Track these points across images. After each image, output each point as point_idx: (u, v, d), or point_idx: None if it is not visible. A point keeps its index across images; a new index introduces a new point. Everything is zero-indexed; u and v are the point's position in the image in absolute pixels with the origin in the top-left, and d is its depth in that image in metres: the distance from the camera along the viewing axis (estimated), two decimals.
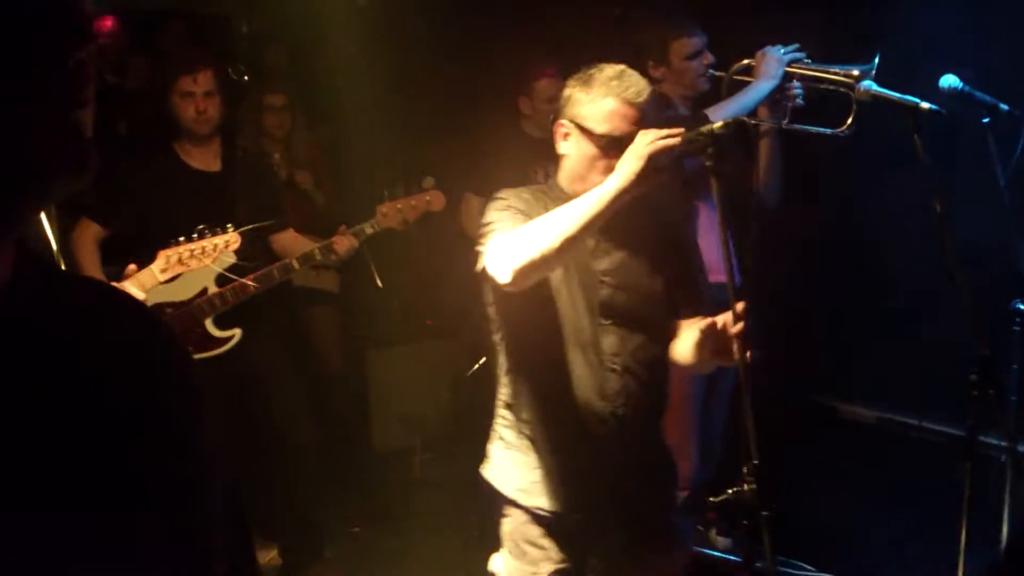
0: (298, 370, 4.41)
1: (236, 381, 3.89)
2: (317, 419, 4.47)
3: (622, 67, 2.55)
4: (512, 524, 2.68)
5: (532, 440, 2.64)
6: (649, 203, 2.53)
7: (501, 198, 2.60)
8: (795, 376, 4.67)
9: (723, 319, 2.35)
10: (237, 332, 3.85)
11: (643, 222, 2.61)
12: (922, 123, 3.11)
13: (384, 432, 5.71)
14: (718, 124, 2.33)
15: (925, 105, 3.14)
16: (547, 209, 2.50)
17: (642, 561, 2.70)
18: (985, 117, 3.35)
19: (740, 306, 2.31)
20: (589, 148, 2.53)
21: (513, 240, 2.41)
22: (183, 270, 3.48)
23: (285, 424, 4.18)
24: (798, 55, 3.83)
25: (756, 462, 2.25)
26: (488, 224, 2.55)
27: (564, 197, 2.53)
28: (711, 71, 4.02)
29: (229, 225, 3.50)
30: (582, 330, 2.57)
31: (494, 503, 2.71)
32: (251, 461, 4.10)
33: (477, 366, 4.82)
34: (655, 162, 2.33)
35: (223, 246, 3.49)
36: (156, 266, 3.43)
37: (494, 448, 2.73)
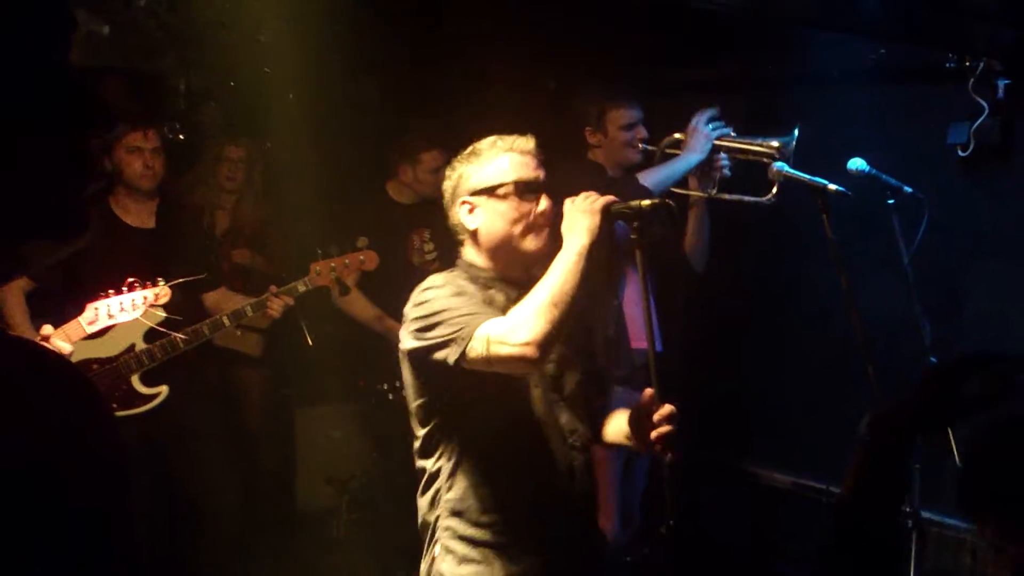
0: (223, 428, 4.38)
1: (160, 439, 3.86)
2: (241, 478, 4.44)
3: (494, 135, 2.60)
4: None
5: (496, 545, 2.46)
6: None
7: (435, 285, 2.50)
8: (716, 440, 4.81)
9: (646, 406, 2.38)
10: (164, 389, 3.83)
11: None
12: (830, 203, 3.29)
13: (309, 492, 5.66)
14: (646, 202, 2.45)
15: (832, 186, 3.31)
16: (484, 292, 2.51)
17: None
18: (890, 198, 3.54)
19: (667, 409, 2.35)
20: (503, 203, 2.52)
21: (523, 316, 2.32)
22: (111, 323, 3.48)
23: (209, 484, 4.15)
24: (724, 130, 3.99)
25: (672, 522, 2.34)
26: (439, 312, 2.41)
27: (489, 275, 2.55)
28: (644, 145, 4.12)
29: (159, 279, 3.51)
30: (543, 408, 2.51)
31: None
32: (173, 521, 4.05)
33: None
34: (604, 216, 2.42)
35: (152, 299, 3.50)
36: (84, 318, 3.42)
37: (445, 566, 2.49)
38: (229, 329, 4.01)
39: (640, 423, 2.42)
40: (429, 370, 2.45)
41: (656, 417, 2.36)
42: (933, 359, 3.59)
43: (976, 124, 4.07)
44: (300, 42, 4.66)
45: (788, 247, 4.68)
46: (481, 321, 2.34)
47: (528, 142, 2.58)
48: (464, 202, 2.57)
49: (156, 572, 3.92)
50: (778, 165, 3.53)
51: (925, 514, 3.60)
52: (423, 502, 2.57)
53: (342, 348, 5.24)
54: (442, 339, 2.37)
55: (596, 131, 4.12)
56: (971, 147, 4.09)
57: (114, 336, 3.72)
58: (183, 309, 3.81)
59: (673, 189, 3.99)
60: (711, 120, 4.00)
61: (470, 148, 2.61)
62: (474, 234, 2.58)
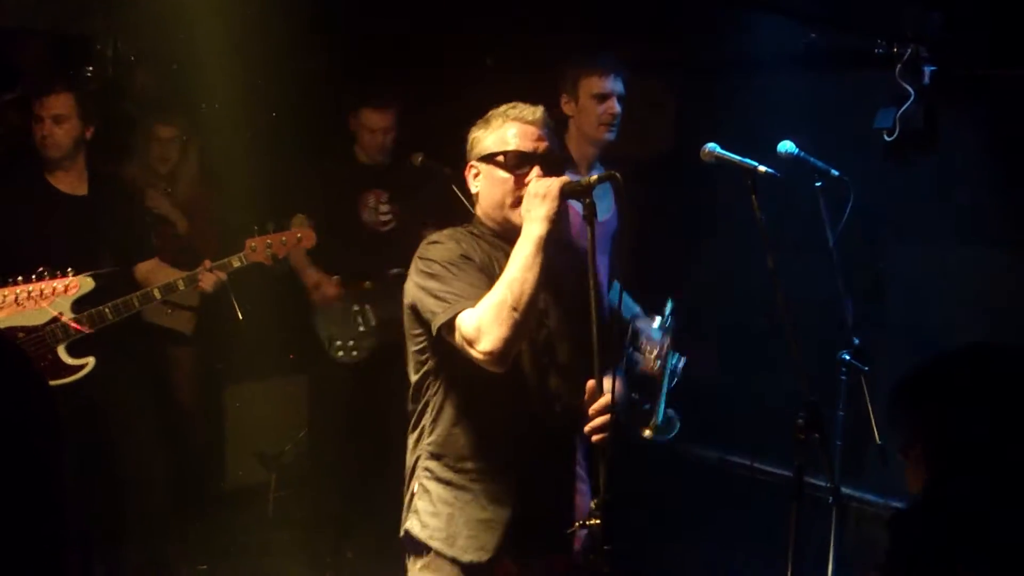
0: (153, 402, 4.33)
1: (86, 410, 3.80)
2: (170, 453, 4.39)
3: (511, 102, 2.68)
4: None
5: (470, 490, 2.58)
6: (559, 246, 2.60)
7: (440, 242, 2.60)
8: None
9: (590, 393, 2.47)
10: (90, 360, 3.78)
11: (559, 269, 2.60)
12: (759, 184, 3.34)
13: (239, 468, 5.62)
14: (594, 177, 2.50)
15: (762, 168, 3.35)
16: (485, 248, 2.60)
17: None
18: (818, 181, 3.60)
19: (603, 400, 2.44)
20: (499, 173, 2.60)
21: (487, 321, 2.37)
22: (17, 311, 3.43)
23: (135, 456, 4.10)
24: None
25: (606, 497, 2.37)
26: (436, 276, 2.50)
27: (487, 231, 2.65)
28: (614, 125, 3.80)
29: (70, 269, 3.46)
30: (532, 370, 2.59)
31: (421, 559, 2.63)
32: (97, 492, 4.00)
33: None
34: (561, 199, 2.47)
35: (62, 290, 3.45)
36: None
37: (420, 504, 2.63)
38: (159, 307, 3.95)
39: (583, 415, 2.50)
40: (423, 322, 2.55)
41: (592, 409, 2.46)
42: (856, 339, 3.68)
43: (902, 110, 4.16)
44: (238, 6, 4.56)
45: (718, 227, 4.75)
46: (462, 308, 2.42)
47: (535, 112, 2.65)
48: (471, 166, 2.68)
49: (84, 546, 3.87)
50: (710, 146, 3.56)
51: (845, 490, 3.70)
52: (410, 441, 2.70)
53: (273, 323, 5.20)
54: (431, 305, 2.49)
55: (570, 99, 3.85)
56: (896, 132, 4.19)
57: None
58: (114, 279, 3.75)
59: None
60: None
61: (488, 114, 2.69)
62: (476, 197, 2.69)
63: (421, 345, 2.62)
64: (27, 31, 5.63)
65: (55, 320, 3.68)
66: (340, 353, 4.75)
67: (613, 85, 3.81)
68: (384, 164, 4.76)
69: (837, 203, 3.63)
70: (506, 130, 2.62)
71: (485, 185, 2.65)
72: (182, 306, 4.94)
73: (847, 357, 3.70)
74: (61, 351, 3.72)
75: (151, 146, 5.05)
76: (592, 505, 2.39)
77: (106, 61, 5.93)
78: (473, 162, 2.67)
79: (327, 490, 4.98)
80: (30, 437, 1.03)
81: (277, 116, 5.33)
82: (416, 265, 2.58)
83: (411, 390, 2.69)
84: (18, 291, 3.40)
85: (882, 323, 4.39)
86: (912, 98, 4.13)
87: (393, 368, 3.02)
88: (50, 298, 3.45)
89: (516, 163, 2.59)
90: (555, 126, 2.74)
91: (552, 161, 2.63)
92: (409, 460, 2.69)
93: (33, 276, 3.42)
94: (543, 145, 2.62)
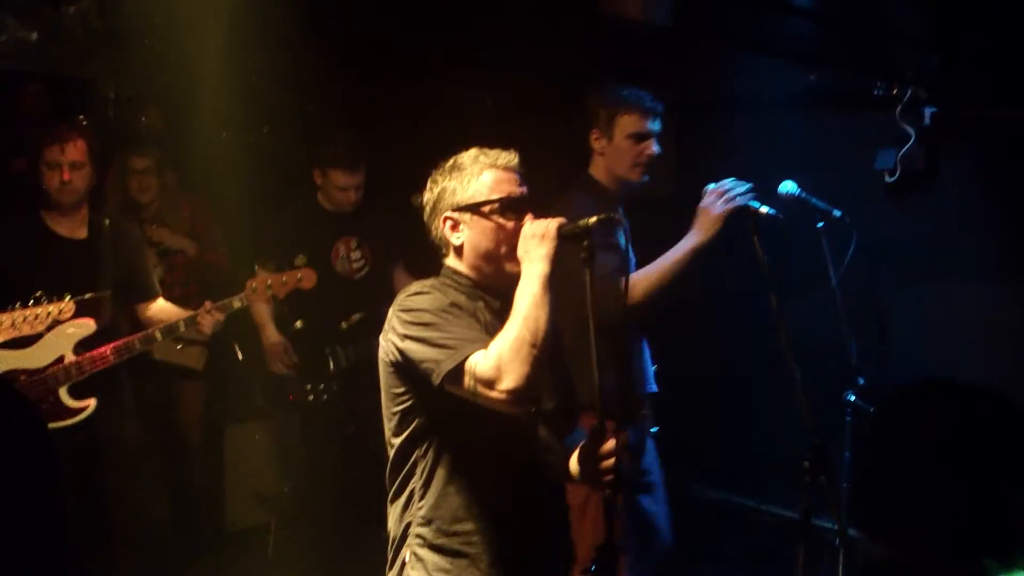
0: (155, 443, 4.31)
1: (87, 453, 3.78)
2: (171, 495, 4.36)
3: (475, 148, 2.58)
4: None
5: (468, 556, 2.45)
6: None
7: (424, 292, 2.48)
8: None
9: (595, 436, 2.41)
10: (91, 402, 3.76)
11: None
12: (761, 225, 3.35)
13: (239, 509, 5.59)
14: (593, 219, 2.42)
15: (764, 209, 3.37)
16: (465, 300, 2.50)
17: None
18: (820, 222, 3.61)
19: (610, 443, 2.38)
20: (487, 223, 2.51)
21: (506, 358, 2.28)
22: (14, 334, 3.43)
23: (135, 497, 4.08)
24: (745, 199, 3.40)
25: (612, 543, 2.36)
26: (430, 325, 2.39)
27: (464, 281, 2.54)
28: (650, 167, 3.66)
29: (67, 295, 3.47)
30: (521, 420, 2.48)
31: None
32: (97, 534, 3.97)
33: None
34: (559, 240, 2.40)
35: (56, 313, 3.45)
36: None
37: (414, 574, 2.48)
38: (169, 344, 3.93)
39: (587, 458, 2.44)
40: (412, 378, 2.43)
41: (602, 451, 2.39)
42: (860, 379, 3.67)
43: (903, 151, 4.18)
44: (229, 48, 4.60)
45: (719, 267, 4.74)
46: (470, 352, 2.32)
47: (511, 158, 2.55)
48: (447, 218, 2.54)
49: None
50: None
51: (852, 532, 3.66)
52: (393, 510, 2.55)
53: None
54: (431, 354, 2.35)
55: (602, 135, 3.67)
56: (898, 173, 4.20)
57: (43, 347, 3.67)
58: (117, 321, 3.75)
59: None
60: (728, 194, 3.41)
61: (451, 161, 2.58)
62: (458, 249, 2.56)
63: (406, 404, 2.47)
64: (27, 74, 5.68)
65: (58, 362, 3.69)
66: (311, 398, 4.71)
67: (652, 125, 3.65)
68: (349, 211, 4.72)
69: (840, 243, 3.63)
70: (487, 177, 2.51)
71: (473, 236, 2.52)
72: (193, 341, 4.93)
73: (852, 398, 3.68)
74: (63, 393, 3.71)
75: (128, 179, 5.02)
76: (597, 552, 2.37)
77: (107, 104, 5.98)
78: (448, 213, 2.53)
79: (327, 531, 4.93)
80: (24, 471, 1.02)
81: (247, 162, 5.33)
82: (400, 318, 2.44)
83: (393, 454, 2.53)
84: (15, 316, 3.40)
85: (886, 362, 4.38)
86: (913, 139, 4.16)
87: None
88: (45, 321, 3.45)
89: (506, 210, 2.50)
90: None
91: (535, 204, 2.55)
92: (395, 529, 2.54)
93: (31, 301, 3.43)
94: (526, 190, 2.55)
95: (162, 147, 5.31)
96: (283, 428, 5.69)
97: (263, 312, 4.60)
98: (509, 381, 2.26)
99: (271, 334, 4.64)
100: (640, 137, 3.62)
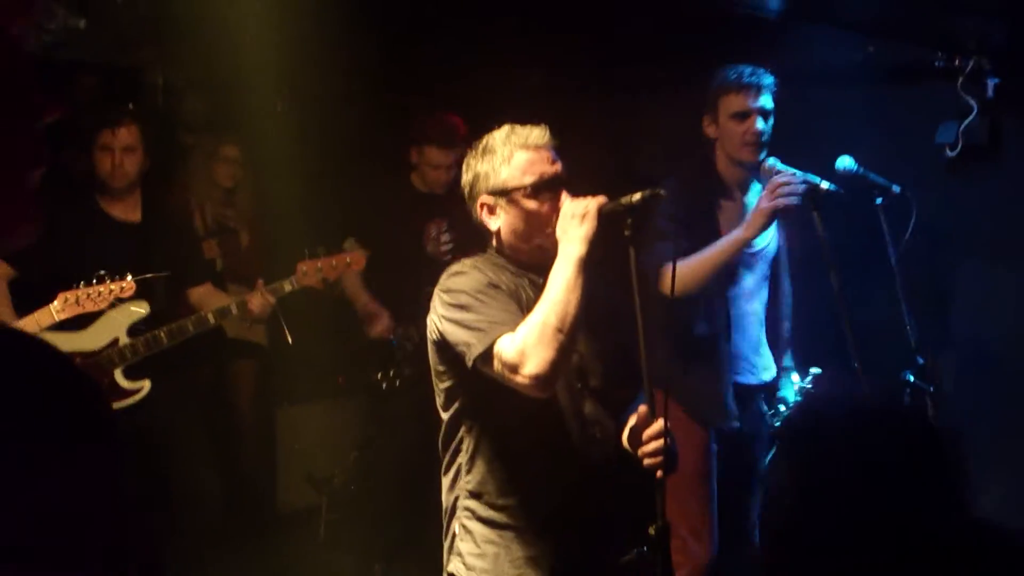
0: (207, 425, 4.35)
1: (142, 433, 3.83)
2: (223, 474, 4.39)
3: (507, 125, 2.56)
4: None
5: (514, 528, 2.48)
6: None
7: (464, 272, 2.50)
8: None
9: (642, 418, 2.37)
10: (146, 384, 3.81)
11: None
12: (821, 201, 3.28)
13: (290, 491, 5.62)
14: (637, 196, 2.38)
15: (825, 184, 3.30)
16: (509, 278, 2.50)
17: None
18: (878, 198, 3.52)
19: (657, 426, 2.33)
20: (521, 207, 2.50)
21: (531, 343, 2.28)
22: (79, 311, 3.53)
23: (188, 478, 4.12)
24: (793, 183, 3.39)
25: (662, 524, 2.30)
26: (466, 306, 2.40)
27: (508, 261, 2.55)
28: (758, 144, 3.58)
29: (128, 273, 3.56)
30: (566, 397, 2.50)
31: None
32: (151, 515, 4.00)
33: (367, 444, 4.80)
34: (599, 221, 2.37)
35: (118, 291, 3.55)
36: (54, 306, 3.50)
37: (463, 545, 2.53)
38: (237, 322, 4.00)
39: (634, 439, 2.41)
40: (452, 358, 2.45)
41: (646, 434, 2.35)
42: (920, 359, 3.58)
43: (965, 124, 4.06)
44: (285, 35, 4.59)
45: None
46: (500, 334, 2.32)
47: (543, 135, 2.52)
48: (483, 204, 2.55)
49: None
50: (770, 162, 3.50)
51: None
52: (445, 481, 2.60)
53: (323, 346, 5.20)
54: (464, 337, 2.38)
55: (711, 121, 3.67)
56: (959, 146, 4.09)
57: (97, 330, 3.73)
58: (169, 305, 3.79)
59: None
60: (782, 190, 3.35)
61: (483, 142, 2.56)
62: (497, 232, 2.57)
63: (449, 383, 2.53)
64: (79, 64, 5.74)
65: (112, 344, 3.74)
66: (384, 386, 4.72)
67: (754, 101, 3.58)
68: (442, 193, 4.73)
69: (899, 220, 3.54)
70: (518, 159, 2.49)
71: (510, 220, 2.51)
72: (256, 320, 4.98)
73: (911, 378, 3.59)
74: (118, 375, 3.77)
75: (217, 166, 5.16)
76: (650, 531, 2.32)
77: (156, 91, 6.03)
78: (483, 199, 2.54)
79: (378, 513, 4.94)
80: (89, 453, 1.01)
81: (330, 140, 5.35)
82: (440, 299, 2.47)
83: (443, 429, 2.59)
84: (79, 293, 3.52)
85: (946, 342, 4.28)
86: (975, 112, 4.03)
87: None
88: (108, 299, 3.56)
89: (539, 191, 2.47)
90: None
91: (571, 180, 2.53)
92: (446, 501, 2.59)
93: (94, 280, 3.54)
94: (560, 167, 2.52)
95: (214, 132, 5.35)
96: (334, 411, 5.73)
97: (355, 282, 4.63)
98: (532, 366, 2.27)
99: (367, 301, 4.68)
100: (742, 115, 3.58)
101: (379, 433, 4.91)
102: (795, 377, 3.87)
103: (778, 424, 3.77)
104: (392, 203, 4.72)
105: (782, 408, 3.80)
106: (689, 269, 3.44)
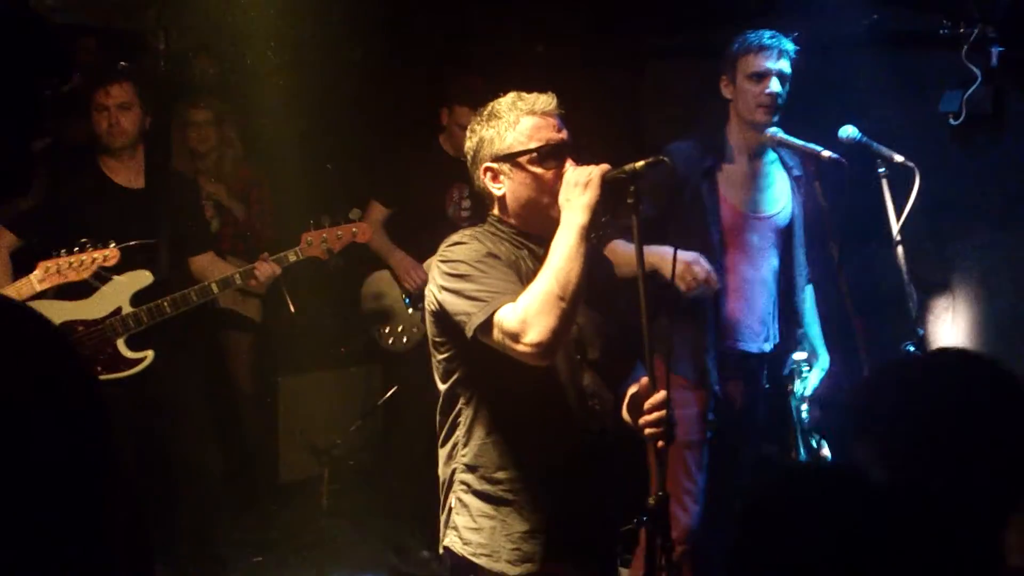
0: (209, 394, 4.36)
1: (144, 403, 3.84)
2: (225, 445, 4.41)
3: (513, 92, 2.54)
4: None
5: (510, 502, 2.47)
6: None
7: (463, 242, 2.47)
8: None
9: (643, 387, 2.37)
10: (149, 354, 3.81)
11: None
12: (823, 170, 3.26)
13: (291, 460, 5.63)
14: (640, 163, 2.37)
15: (827, 153, 3.28)
16: (508, 248, 2.48)
17: None
18: (881, 167, 3.50)
19: (660, 396, 2.33)
20: (526, 172, 2.48)
21: (533, 311, 2.27)
22: (60, 280, 3.50)
23: (190, 448, 4.13)
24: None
25: (662, 494, 2.30)
26: (465, 276, 2.39)
27: (508, 230, 2.52)
28: (772, 107, 3.57)
29: (111, 241, 3.53)
30: (565, 369, 2.49)
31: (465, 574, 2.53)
32: (153, 485, 4.03)
33: (388, 395, 4.82)
34: (602, 188, 2.35)
35: (100, 260, 3.52)
36: (35, 276, 3.48)
37: (460, 519, 2.52)
38: (232, 293, 3.98)
39: (635, 409, 2.41)
40: (450, 329, 2.44)
41: (647, 404, 2.35)
42: (920, 331, 3.58)
43: (968, 92, 4.03)
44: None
45: None
46: (500, 303, 2.31)
47: (549, 101, 2.50)
48: (487, 169, 2.52)
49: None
50: (771, 130, 3.48)
51: None
52: (442, 454, 2.59)
53: (324, 317, 5.20)
54: (464, 307, 2.36)
55: (729, 81, 3.65)
56: (963, 116, 4.06)
57: (101, 298, 3.72)
58: (172, 274, 3.79)
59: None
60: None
61: (489, 108, 2.53)
62: (501, 199, 2.54)
63: (448, 354, 2.51)
64: (80, 27, 5.72)
65: (115, 313, 3.73)
66: (391, 341, 4.73)
67: (772, 63, 3.56)
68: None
69: (901, 189, 3.53)
70: (524, 124, 2.47)
71: (514, 186, 2.49)
72: (251, 294, 4.97)
73: (912, 349, 3.59)
74: (121, 344, 3.77)
75: (186, 131, 5.08)
76: (650, 501, 2.32)
77: (158, 55, 6.00)
78: (488, 164, 2.51)
79: (380, 483, 4.96)
80: (74, 424, 1.00)
81: (344, 104, 5.31)
82: (439, 268, 2.45)
83: (440, 401, 2.57)
84: (60, 262, 3.48)
85: (948, 313, 4.28)
86: (979, 80, 4.00)
87: None
88: (90, 268, 3.52)
89: (545, 158, 2.45)
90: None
91: (577, 148, 2.51)
92: (443, 474, 2.58)
93: (76, 248, 3.50)
94: (566, 134, 2.50)
95: (219, 95, 5.32)
96: (335, 381, 5.74)
97: (383, 240, 4.66)
98: (534, 335, 2.26)
99: (401, 257, 4.68)
100: (758, 76, 3.55)
101: (396, 395, 4.89)
102: (803, 362, 3.80)
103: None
104: (417, 164, 4.71)
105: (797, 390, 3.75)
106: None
